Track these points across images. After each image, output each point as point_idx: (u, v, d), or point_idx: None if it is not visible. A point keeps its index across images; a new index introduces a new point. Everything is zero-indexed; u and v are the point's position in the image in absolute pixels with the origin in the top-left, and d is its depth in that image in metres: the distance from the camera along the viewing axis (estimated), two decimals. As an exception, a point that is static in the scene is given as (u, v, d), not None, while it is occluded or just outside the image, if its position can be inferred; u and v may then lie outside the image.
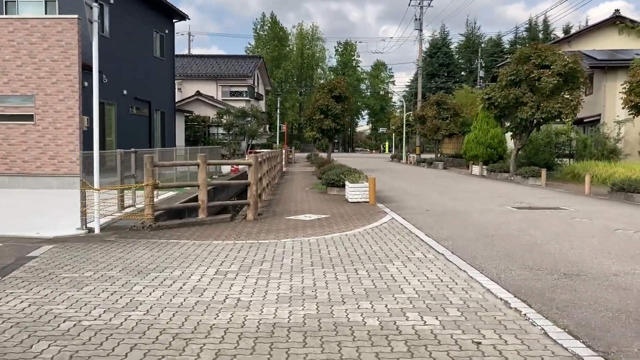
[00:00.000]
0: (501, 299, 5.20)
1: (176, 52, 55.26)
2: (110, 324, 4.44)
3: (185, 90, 46.79)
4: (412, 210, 12.34)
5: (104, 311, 4.80)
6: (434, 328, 4.35)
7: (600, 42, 34.17)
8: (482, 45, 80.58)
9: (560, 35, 72.29)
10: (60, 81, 16.54)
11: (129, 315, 4.68)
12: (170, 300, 5.17)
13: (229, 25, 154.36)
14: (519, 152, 24.97)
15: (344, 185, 15.84)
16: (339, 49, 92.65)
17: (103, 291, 5.46)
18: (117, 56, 19.63)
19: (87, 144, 16.91)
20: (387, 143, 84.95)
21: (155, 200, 13.04)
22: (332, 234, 9.07)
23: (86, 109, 17.08)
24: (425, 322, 4.49)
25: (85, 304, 5.00)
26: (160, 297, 5.28)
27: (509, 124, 24.80)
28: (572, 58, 21.80)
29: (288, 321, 4.52)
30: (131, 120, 20.70)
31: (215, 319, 4.60)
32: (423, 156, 43.68)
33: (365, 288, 5.59)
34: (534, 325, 4.45)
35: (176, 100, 45.21)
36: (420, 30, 45.11)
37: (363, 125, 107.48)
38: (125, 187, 10.37)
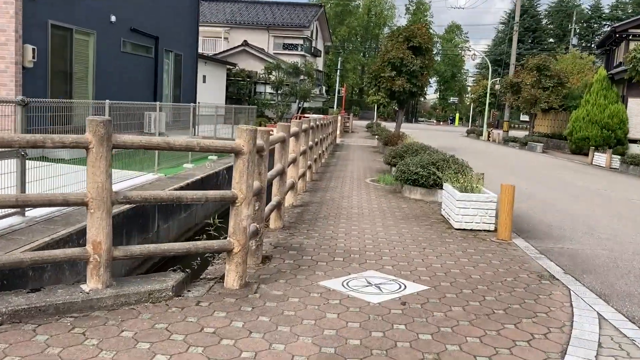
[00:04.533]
0: None
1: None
2: None
3: (232, 39, 40.51)
4: (621, 279, 5.52)
5: None
6: None
7: None
8: (581, 6, 69.73)
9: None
10: (-12, -15, 10.39)
11: None
12: None
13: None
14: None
15: (435, 186, 9.09)
16: (410, 7, 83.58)
17: None
18: (103, -36, 13.32)
19: (32, 89, 10.83)
20: (457, 115, 76.41)
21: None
22: None
23: (32, 35, 10.94)
24: None
25: None
26: None
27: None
28: None
29: None
30: (124, 61, 14.48)
31: None
32: (510, 133, 35.80)
33: None
34: None
35: (221, 50, 39.13)
36: (522, -25, 36.45)
37: (430, 94, 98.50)
38: None
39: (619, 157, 19.70)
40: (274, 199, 6.53)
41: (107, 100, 8.24)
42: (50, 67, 11.54)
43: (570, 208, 9.77)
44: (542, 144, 28.08)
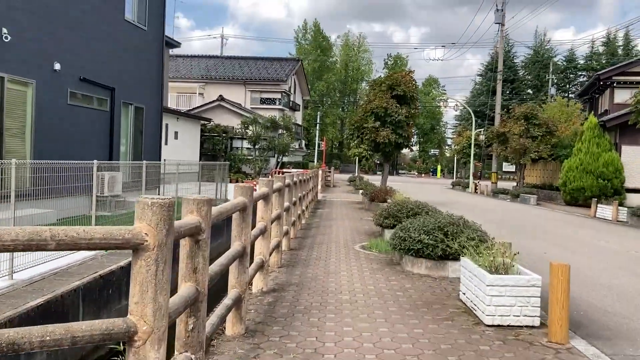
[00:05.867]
0: None
1: (203, 53, 47.89)
2: None
3: (208, 94, 39.13)
4: None
5: None
6: None
7: None
8: (555, 57, 70.64)
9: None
10: None
11: None
12: None
13: (273, 45, 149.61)
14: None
15: (445, 257, 7.20)
16: (389, 62, 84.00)
17: None
18: (47, 5, 11.67)
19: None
20: (439, 167, 75.64)
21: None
22: None
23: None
24: None
25: None
26: None
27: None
28: None
29: None
30: (72, 115, 12.60)
31: None
32: (499, 185, 34.38)
33: None
34: None
35: (196, 105, 37.58)
36: (502, 24, 36.00)
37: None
38: None
39: (627, 209, 18.09)
40: (231, 293, 4.56)
41: (14, 160, 6.29)
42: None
43: (615, 282, 7.87)
44: (535, 196, 26.57)
